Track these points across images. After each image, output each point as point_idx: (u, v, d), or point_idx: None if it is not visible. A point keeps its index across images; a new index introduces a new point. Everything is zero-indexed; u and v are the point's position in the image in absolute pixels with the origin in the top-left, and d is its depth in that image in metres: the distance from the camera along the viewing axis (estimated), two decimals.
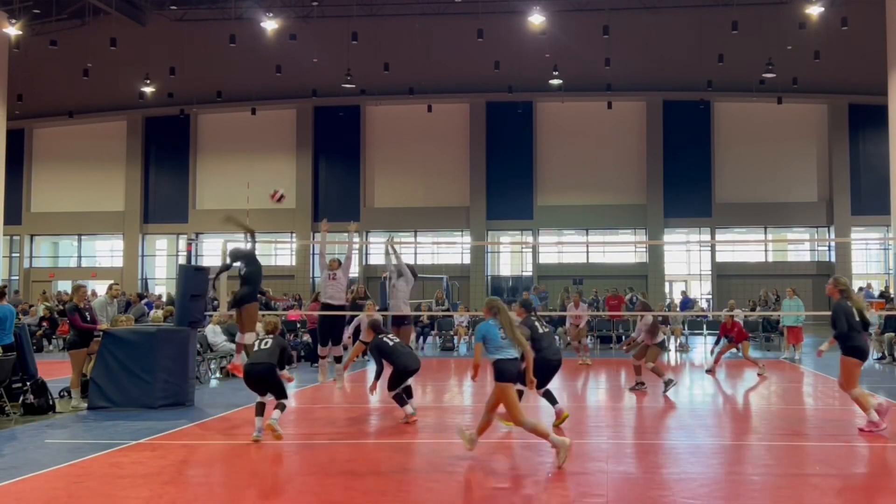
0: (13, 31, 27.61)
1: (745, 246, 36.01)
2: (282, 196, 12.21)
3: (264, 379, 8.88)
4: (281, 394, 8.91)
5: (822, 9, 25.54)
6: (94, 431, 9.66)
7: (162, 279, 38.27)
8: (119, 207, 37.56)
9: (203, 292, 14.26)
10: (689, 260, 35.56)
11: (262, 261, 11.27)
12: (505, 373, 7.47)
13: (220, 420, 10.38)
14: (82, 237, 39.33)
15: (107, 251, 40.35)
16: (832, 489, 6.97)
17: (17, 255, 39.06)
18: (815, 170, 34.03)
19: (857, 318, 9.21)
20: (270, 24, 27.21)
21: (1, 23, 27.50)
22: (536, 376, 8.14)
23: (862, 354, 9.23)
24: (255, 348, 9.17)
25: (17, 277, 38.52)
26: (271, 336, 9.21)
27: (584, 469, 7.59)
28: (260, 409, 8.83)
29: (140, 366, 11.58)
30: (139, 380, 11.51)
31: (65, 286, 36.81)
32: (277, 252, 36.95)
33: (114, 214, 37.64)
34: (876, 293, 26.57)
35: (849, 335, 9.14)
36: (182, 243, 37.67)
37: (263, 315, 11.29)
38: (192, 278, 13.79)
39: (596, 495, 6.64)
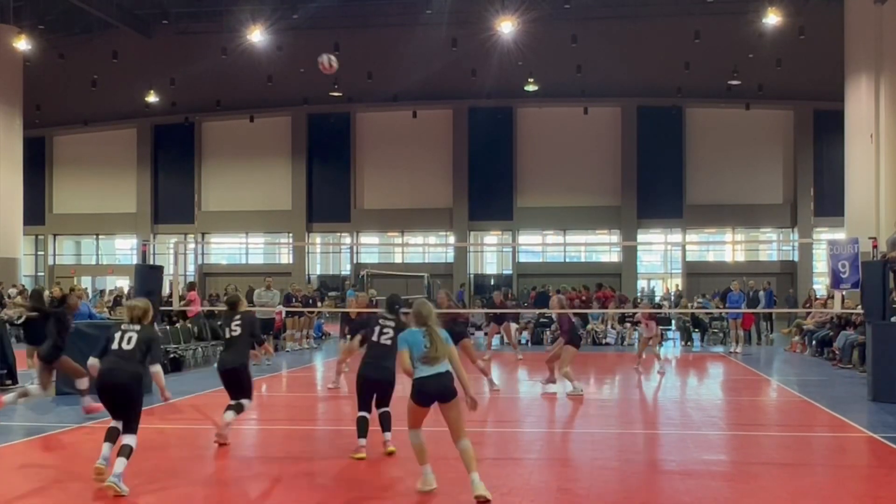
0: (25, 45, 28.22)
1: (715, 245, 35.97)
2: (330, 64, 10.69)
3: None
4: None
5: (778, 18, 25.24)
6: (47, 415, 9.89)
7: (169, 275, 38.75)
8: (132, 209, 38.13)
9: (157, 289, 14.69)
10: (662, 259, 35.43)
11: (264, 259, 11.77)
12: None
13: (168, 407, 10.50)
14: (100, 236, 40.04)
15: (127, 249, 41.00)
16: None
17: (42, 253, 39.91)
18: (780, 173, 33.76)
19: None
20: (257, 37, 27.51)
21: (16, 38, 28.10)
22: None
23: None
24: None
25: (42, 274, 39.38)
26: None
27: (564, 457, 7.63)
28: None
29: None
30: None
31: (86, 282, 37.61)
32: (277, 251, 37.54)
33: (127, 216, 38.22)
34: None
35: None
36: (191, 244, 38.18)
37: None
38: (147, 276, 14.24)
39: (576, 479, 6.69)
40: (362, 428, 7.41)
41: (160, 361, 6.93)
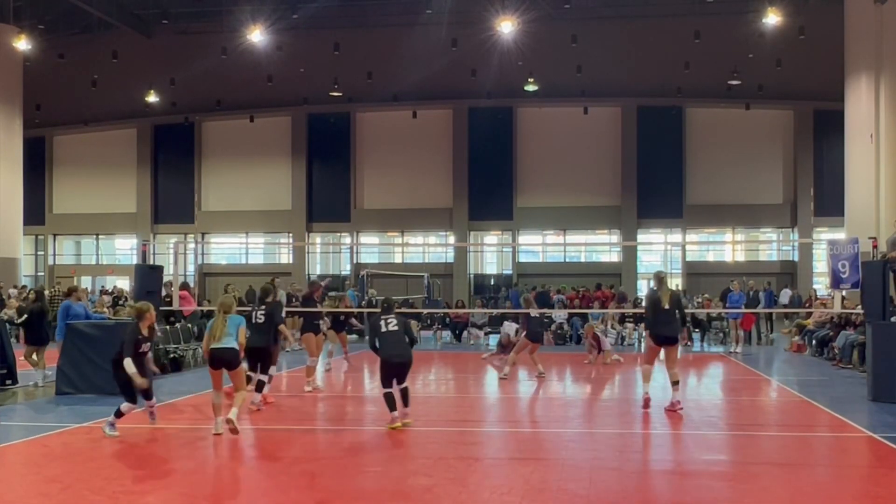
0: (25, 45, 28.20)
1: (714, 245, 36.06)
2: None
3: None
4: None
5: (778, 18, 25.24)
6: (47, 415, 9.95)
7: (170, 275, 38.75)
8: (132, 209, 38.13)
9: (157, 289, 14.71)
10: (662, 259, 35.45)
11: (264, 259, 12.49)
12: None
13: (168, 407, 10.52)
14: (100, 236, 40.05)
15: (127, 249, 40.97)
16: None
17: (42, 253, 39.91)
18: (780, 173, 33.81)
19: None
20: (257, 37, 27.52)
21: (16, 38, 28.08)
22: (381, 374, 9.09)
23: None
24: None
25: (42, 274, 39.38)
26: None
27: (564, 457, 7.64)
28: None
29: (101, 356, 11.92)
30: (101, 369, 11.81)
31: (86, 282, 37.58)
32: (277, 251, 37.53)
33: (127, 216, 38.22)
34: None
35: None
36: (191, 244, 38.16)
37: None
38: (147, 276, 14.28)
39: (576, 479, 6.70)
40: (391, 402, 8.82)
41: (129, 356, 8.55)
